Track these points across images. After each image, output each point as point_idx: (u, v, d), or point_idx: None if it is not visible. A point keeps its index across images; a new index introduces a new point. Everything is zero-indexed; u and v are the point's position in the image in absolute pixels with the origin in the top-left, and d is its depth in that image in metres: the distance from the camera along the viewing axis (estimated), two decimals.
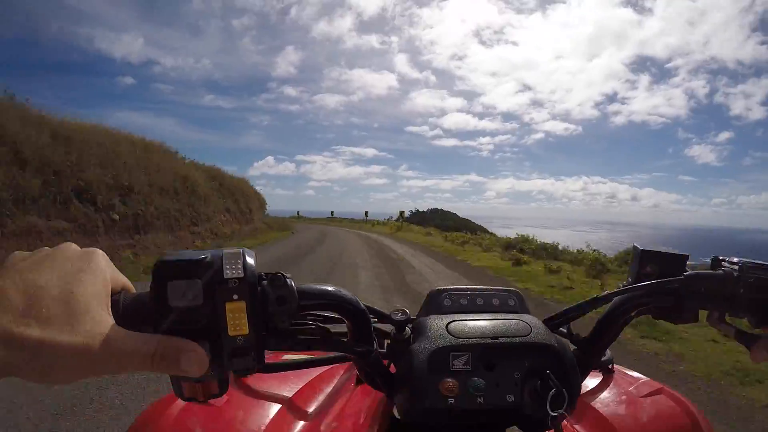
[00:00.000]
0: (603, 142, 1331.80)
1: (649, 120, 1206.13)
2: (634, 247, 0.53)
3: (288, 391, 0.63)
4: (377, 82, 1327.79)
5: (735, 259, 0.48)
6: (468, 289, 0.54)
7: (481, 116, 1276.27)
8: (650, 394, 0.67)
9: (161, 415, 0.57)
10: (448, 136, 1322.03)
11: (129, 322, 0.32)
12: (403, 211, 29.11)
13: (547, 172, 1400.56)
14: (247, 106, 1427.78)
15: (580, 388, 0.47)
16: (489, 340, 0.45)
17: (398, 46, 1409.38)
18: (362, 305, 0.45)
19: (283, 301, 0.37)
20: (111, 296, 0.34)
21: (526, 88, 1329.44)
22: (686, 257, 0.51)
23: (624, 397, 0.67)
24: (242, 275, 0.34)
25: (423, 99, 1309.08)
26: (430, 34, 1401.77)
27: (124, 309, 0.34)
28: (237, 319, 0.33)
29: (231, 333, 0.33)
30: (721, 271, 0.47)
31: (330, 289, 0.43)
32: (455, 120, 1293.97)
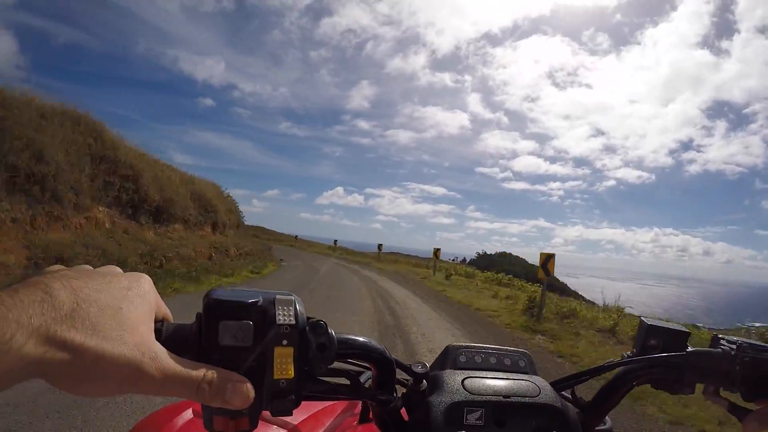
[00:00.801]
0: (676, 192, 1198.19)
1: (725, 169, 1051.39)
2: (641, 321, 0.56)
3: (292, 419, 0.70)
4: (449, 120, 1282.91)
5: (734, 338, 0.52)
6: (482, 348, 0.56)
7: (552, 160, 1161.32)
8: None
9: (164, 425, 0.65)
10: (518, 179, 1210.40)
11: (170, 350, 0.33)
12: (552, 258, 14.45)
13: (617, 222, 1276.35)
14: (320, 136, 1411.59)
15: None
16: (501, 399, 0.48)
17: (471, 86, 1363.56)
18: (389, 355, 0.47)
19: (323, 348, 0.38)
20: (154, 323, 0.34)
21: (599, 132, 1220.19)
22: (688, 334, 0.54)
23: None
24: (294, 322, 0.35)
25: (494, 140, 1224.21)
26: (503, 74, 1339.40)
27: (166, 337, 0.35)
28: (284, 364, 0.35)
29: (276, 376, 0.34)
30: (720, 350, 0.51)
31: (364, 339, 0.45)
32: (526, 163, 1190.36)
